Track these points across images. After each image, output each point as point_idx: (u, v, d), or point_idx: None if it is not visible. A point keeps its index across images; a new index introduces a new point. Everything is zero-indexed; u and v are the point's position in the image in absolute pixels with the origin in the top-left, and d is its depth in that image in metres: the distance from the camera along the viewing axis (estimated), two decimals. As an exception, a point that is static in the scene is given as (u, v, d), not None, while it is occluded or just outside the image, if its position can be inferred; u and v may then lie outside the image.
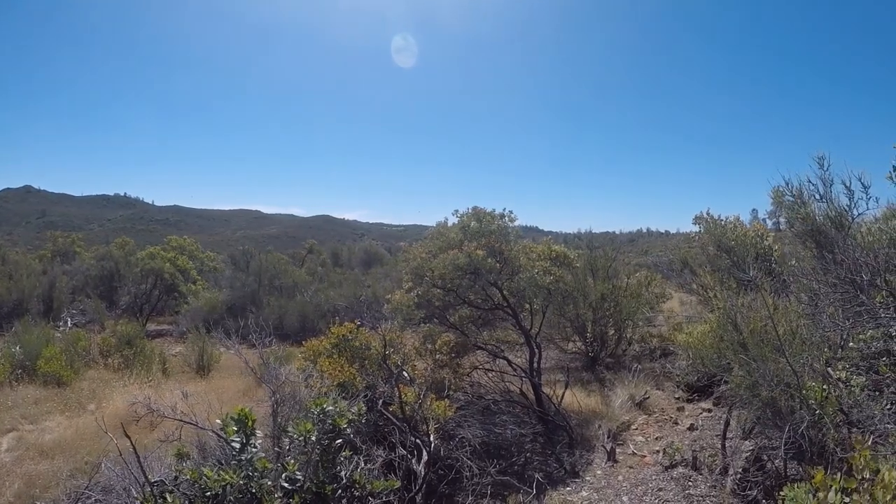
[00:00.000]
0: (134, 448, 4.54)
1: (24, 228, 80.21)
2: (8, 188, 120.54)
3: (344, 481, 3.56)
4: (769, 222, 9.07)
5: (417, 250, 7.70)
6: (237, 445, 3.44)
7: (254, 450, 3.40)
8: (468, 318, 8.02)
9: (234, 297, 19.31)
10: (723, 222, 8.27)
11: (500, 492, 5.51)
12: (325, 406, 3.70)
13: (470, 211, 7.89)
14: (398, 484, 3.81)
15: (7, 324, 15.52)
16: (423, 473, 4.97)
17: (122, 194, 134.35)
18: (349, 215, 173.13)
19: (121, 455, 4.83)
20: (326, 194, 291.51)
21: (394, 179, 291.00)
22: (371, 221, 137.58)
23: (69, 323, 16.61)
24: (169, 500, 3.41)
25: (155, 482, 4.35)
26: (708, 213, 8.60)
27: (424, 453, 5.16)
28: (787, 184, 5.92)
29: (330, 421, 3.63)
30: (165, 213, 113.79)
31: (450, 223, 8.09)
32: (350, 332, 6.59)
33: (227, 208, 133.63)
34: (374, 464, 4.44)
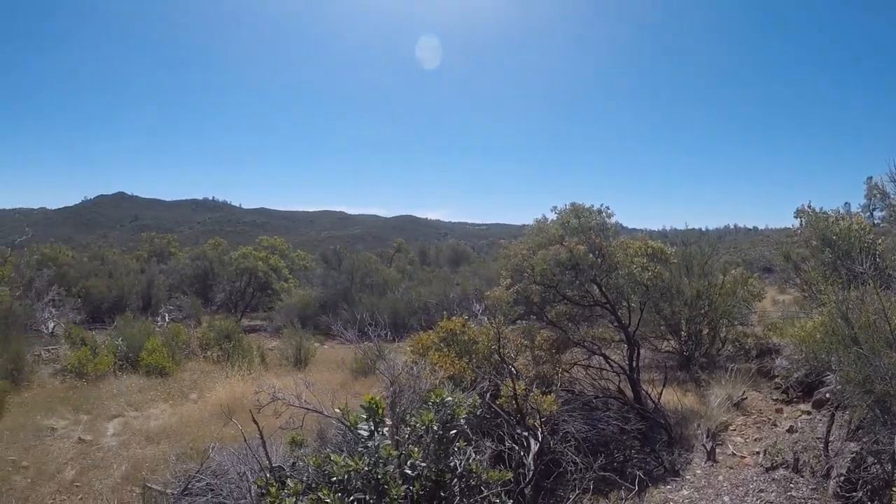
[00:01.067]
0: (261, 434, 5.02)
1: (119, 232, 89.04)
2: (102, 195, 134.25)
3: (459, 470, 3.85)
4: (863, 216, 9.29)
5: (518, 247, 8.19)
6: (365, 433, 3.79)
7: (382, 438, 3.75)
8: (564, 315, 8.51)
9: (327, 295, 20.87)
10: (826, 215, 8.61)
11: (600, 488, 5.86)
12: (444, 397, 4.05)
13: (568, 207, 8.37)
14: (510, 475, 4.07)
15: (108, 319, 17.50)
16: (532, 466, 5.29)
17: (211, 198, 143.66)
18: (431, 215, 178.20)
19: (245, 440, 5.51)
20: (409, 194, 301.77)
21: (475, 178, 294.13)
22: (453, 221, 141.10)
23: (166, 318, 18.28)
24: (290, 484, 3.75)
25: (271, 468, 4.78)
26: (810, 206, 8.92)
27: (534, 446, 5.50)
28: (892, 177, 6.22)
29: (448, 412, 3.98)
30: (252, 215, 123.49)
31: (548, 219, 8.63)
32: (458, 327, 7.32)
33: (311, 209, 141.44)
34: (483, 455, 4.73)
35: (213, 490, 6.06)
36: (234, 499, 5.77)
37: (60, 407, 9.53)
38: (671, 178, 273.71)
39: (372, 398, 3.84)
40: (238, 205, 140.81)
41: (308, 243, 52.39)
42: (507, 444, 5.66)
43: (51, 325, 15.51)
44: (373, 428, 3.74)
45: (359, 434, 3.77)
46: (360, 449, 3.73)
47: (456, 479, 3.84)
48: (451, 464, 3.87)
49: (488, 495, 3.95)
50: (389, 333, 7.83)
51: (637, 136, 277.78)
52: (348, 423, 4.04)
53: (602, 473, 5.85)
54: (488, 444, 5.29)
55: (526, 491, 5.13)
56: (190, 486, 6.23)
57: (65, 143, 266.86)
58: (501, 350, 6.56)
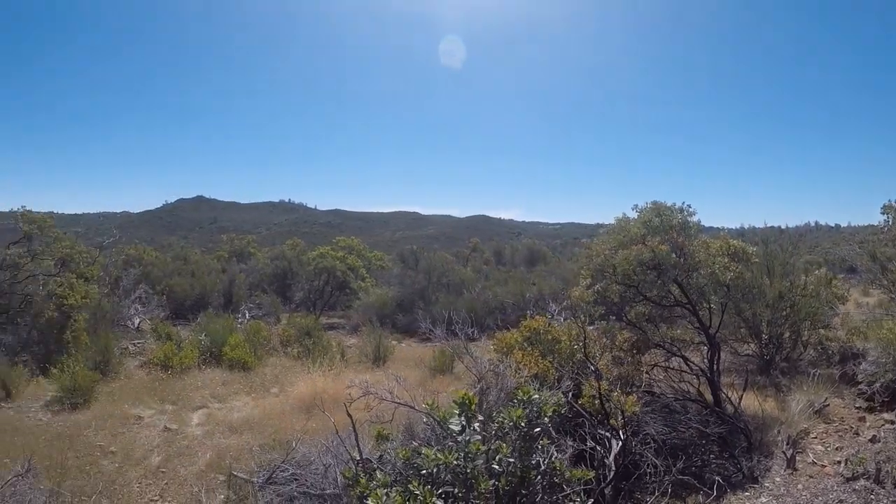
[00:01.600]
0: (354, 427, 5.21)
1: (198, 234, 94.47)
2: (182, 198, 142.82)
3: (542, 468, 4.01)
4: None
5: (600, 246, 8.36)
6: (456, 428, 3.98)
7: (472, 433, 3.93)
8: (643, 316, 8.69)
9: (404, 294, 21.48)
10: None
11: (678, 492, 6.00)
12: (531, 395, 4.20)
13: (649, 205, 8.51)
14: (592, 475, 4.22)
15: (191, 315, 18.61)
16: (613, 466, 5.39)
17: (287, 200, 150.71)
18: (504, 214, 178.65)
19: (337, 432, 5.76)
20: (482, 194, 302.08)
21: (548, 178, 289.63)
22: (526, 220, 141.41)
23: (247, 315, 19.17)
24: (379, 476, 3.98)
25: (361, 460, 5.00)
26: (900, 202, 8.41)
27: (615, 446, 5.59)
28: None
29: (535, 409, 4.13)
30: (327, 216, 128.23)
31: (629, 218, 8.74)
32: (542, 326, 7.56)
33: (385, 210, 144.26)
34: (564, 454, 4.82)
35: (297, 480, 6.24)
36: (320, 489, 5.93)
37: (147, 397, 10.14)
38: (747, 173, 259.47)
39: (465, 394, 4.04)
40: (313, 206, 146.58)
41: (382, 244, 53.70)
42: (588, 443, 5.81)
43: (136, 320, 16.60)
44: (464, 423, 3.95)
45: (450, 429, 3.99)
46: (449, 443, 3.91)
47: (539, 476, 4.00)
48: (535, 461, 4.02)
49: (569, 493, 4.09)
50: (475, 332, 7.98)
51: (712, 131, 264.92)
52: (438, 418, 4.27)
53: (681, 477, 5.95)
54: (570, 443, 5.41)
55: (606, 491, 5.24)
56: (274, 475, 6.43)
57: (147, 149, 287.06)
58: (586, 349, 6.69)
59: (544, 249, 37.48)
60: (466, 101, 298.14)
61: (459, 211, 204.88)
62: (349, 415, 5.15)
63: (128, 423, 8.89)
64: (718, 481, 6.21)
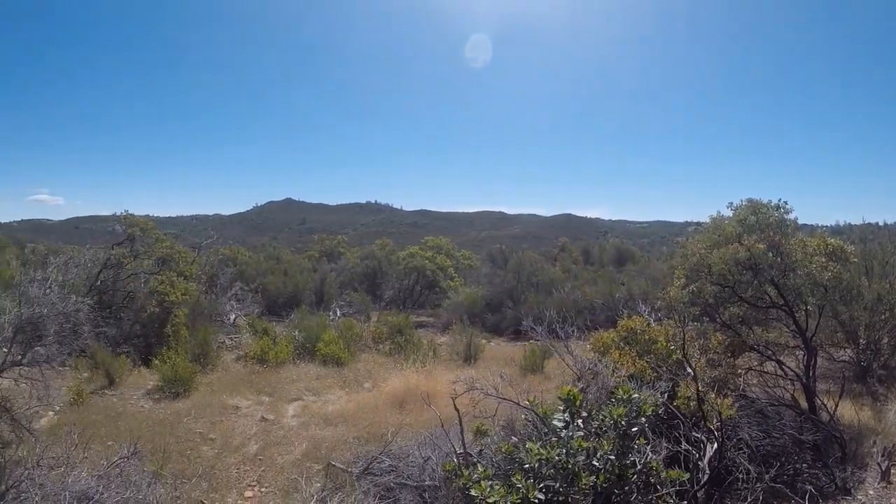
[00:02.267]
0: (460, 422, 5.30)
1: (287, 234, 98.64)
2: (272, 201, 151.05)
3: (638, 467, 4.15)
4: None
5: (695, 245, 8.33)
6: (560, 424, 4.14)
7: (576, 429, 4.07)
8: (737, 317, 8.54)
9: (493, 293, 21.54)
10: None
11: (769, 500, 5.91)
12: (630, 394, 4.37)
13: (745, 203, 8.49)
14: (687, 476, 4.27)
15: (284, 312, 19.24)
16: (707, 470, 5.44)
17: (373, 201, 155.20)
18: (590, 213, 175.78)
19: (442, 426, 5.87)
20: (567, 192, 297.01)
21: (634, 175, 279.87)
22: (613, 219, 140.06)
23: (338, 313, 19.63)
24: (480, 469, 4.09)
25: (463, 453, 5.12)
26: None
27: (710, 449, 5.63)
28: None
29: (634, 409, 4.28)
30: (413, 216, 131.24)
31: (724, 216, 8.73)
32: (639, 326, 7.63)
33: (471, 210, 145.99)
34: (658, 455, 4.87)
35: (394, 471, 6.36)
36: (417, 480, 5.97)
37: (244, 389, 10.54)
38: (843, 166, 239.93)
39: (570, 390, 4.25)
40: (399, 207, 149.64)
41: (468, 243, 54.26)
42: (682, 445, 5.78)
43: (232, 316, 17.32)
44: (568, 419, 4.17)
45: (554, 425, 4.21)
46: (553, 439, 4.10)
47: (636, 476, 4.12)
48: (631, 460, 4.15)
49: (663, 494, 4.17)
50: (575, 330, 8.00)
51: (804, 124, 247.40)
52: (540, 414, 4.52)
53: (773, 485, 5.95)
54: (664, 444, 5.41)
55: (699, 495, 5.25)
56: (371, 466, 6.58)
57: (238, 154, 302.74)
58: (685, 350, 6.65)
59: (633, 249, 37.02)
60: (548, 99, 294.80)
61: (545, 210, 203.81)
62: (456, 409, 5.25)
63: (226, 413, 9.24)
64: (811, 491, 6.11)
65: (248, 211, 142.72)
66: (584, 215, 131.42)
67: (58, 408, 8.50)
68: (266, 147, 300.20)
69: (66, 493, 4.81)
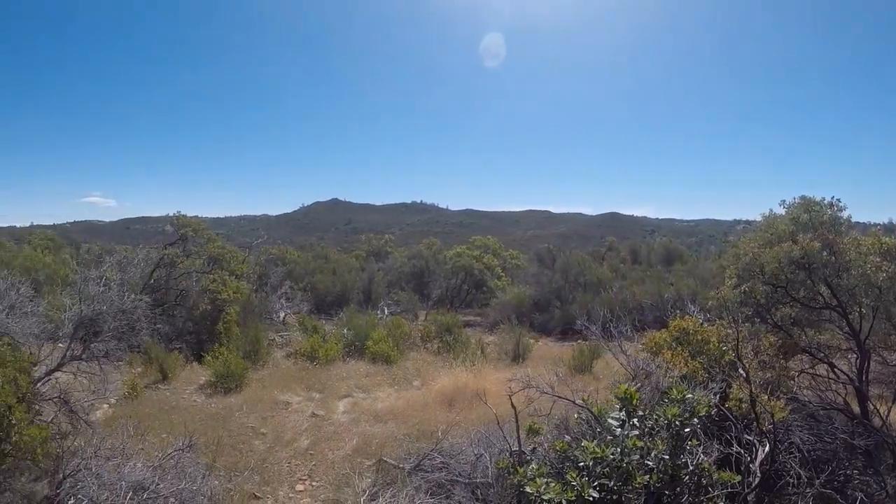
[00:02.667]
0: (517, 419, 5.20)
1: (333, 234, 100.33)
2: (318, 201, 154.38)
3: (690, 468, 4.13)
4: None
5: (747, 244, 8.16)
6: (615, 423, 4.14)
7: (631, 428, 4.07)
8: (789, 318, 8.32)
9: (541, 293, 21.46)
10: None
11: None
12: (684, 394, 4.33)
13: (797, 200, 8.44)
14: (738, 479, 4.27)
15: (332, 311, 19.48)
16: (759, 473, 5.29)
17: (419, 201, 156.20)
18: (637, 212, 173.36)
19: (498, 423, 5.82)
20: (613, 191, 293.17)
21: (682, 173, 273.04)
22: (660, 217, 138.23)
23: (385, 312, 19.76)
24: (534, 466, 4.12)
25: (518, 451, 5.07)
26: None
27: (761, 452, 5.48)
28: None
29: (689, 409, 4.23)
30: (458, 216, 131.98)
31: (776, 214, 8.65)
32: (691, 326, 7.52)
33: (516, 209, 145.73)
34: (710, 456, 4.81)
35: (446, 467, 6.31)
36: (469, 477, 5.92)
37: (294, 385, 10.64)
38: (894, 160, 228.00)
39: (626, 388, 4.23)
40: (445, 206, 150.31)
41: (514, 243, 54.16)
42: (733, 448, 5.69)
43: (282, 314, 17.61)
44: (624, 418, 4.16)
45: (609, 423, 4.24)
46: (608, 438, 4.16)
47: (688, 476, 4.12)
48: (683, 460, 4.13)
49: (714, 496, 4.16)
50: (628, 329, 7.93)
51: (857, 119, 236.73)
52: (595, 413, 4.59)
53: (823, 490, 5.82)
54: (716, 445, 5.36)
55: (749, 498, 5.13)
56: (423, 462, 6.52)
57: (285, 156, 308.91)
58: (739, 351, 6.58)
59: (681, 248, 36.38)
60: (594, 96, 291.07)
61: (591, 208, 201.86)
62: (513, 406, 5.18)
63: (277, 408, 9.35)
64: (861, 498, 5.93)
65: (294, 211, 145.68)
66: (630, 214, 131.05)
67: (113, 401, 8.70)
68: (312, 148, 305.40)
69: (123, 482, 4.89)
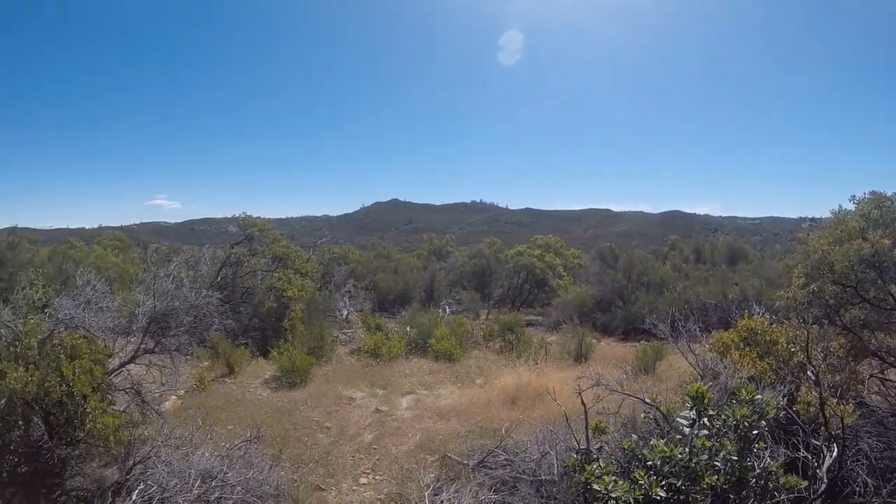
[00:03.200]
0: (586, 416, 5.10)
1: (394, 234, 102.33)
2: (378, 201, 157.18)
3: (757, 471, 4.07)
4: None
5: (817, 242, 7.92)
6: (685, 422, 4.09)
7: (701, 428, 4.03)
8: (859, 320, 8.00)
9: (603, 293, 21.13)
10: None
11: None
12: (753, 395, 4.24)
13: (868, 195, 8.09)
14: (804, 484, 4.16)
15: (393, 309, 19.67)
16: (825, 479, 5.14)
17: (479, 201, 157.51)
18: (699, 209, 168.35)
19: (566, 421, 5.74)
20: (676, 189, 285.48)
21: (745, 169, 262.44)
22: (723, 215, 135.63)
23: (447, 310, 19.76)
24: (602, 465, 4.10)
25: (586, 449, 4.96)
26: None
27: (828, 458, 5.32)
28: None
29: (757, 410, 4.17)
30: (518, 215, 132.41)
31: (846, 210, 8.35)
32: (760, 326, 7.41)
33: (576, 208, 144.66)
34: (776, 460, 4.72)
35: (510, 464, 6.22)
36: (533, 474, 5.81)
37: (358, 381, 10.75)
38: None
39: (697, 387, 4.18)
40: (504, 206, 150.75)
41: (575, 242, 53.68)
42: (800, 452, 5.53)
43: (345, 312, 17.84)
44: (694, 417, 4.11)
45: (678, 422, 4.18)
46: (677, 437, 4.13)
47: (754, 480, 4.06)
48: (750, 463, 4.07)
49: (780, 501, 4.10)
50: (697, 329, 7.87)
51: None
52: (664, 412, 4.58)
53: (889, 501, 5.52)
54: (782, 449, 5.25)
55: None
56: (486, 459, 6.45)
57: (346, 157, 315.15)
58: (809, 353, 6.43)
59: (745, 247, 35.21)
60: (654, 93, 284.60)
61: (652, 206, 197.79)
62: (583, 404, 5.14)
63: (341, 403, 9.45)
64: None
65: (355, 212, 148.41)
66: (692, 212, 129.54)
67: (182, 392, 8.95)
68: (372, 149, 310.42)
69: (191, 470, 4.98)
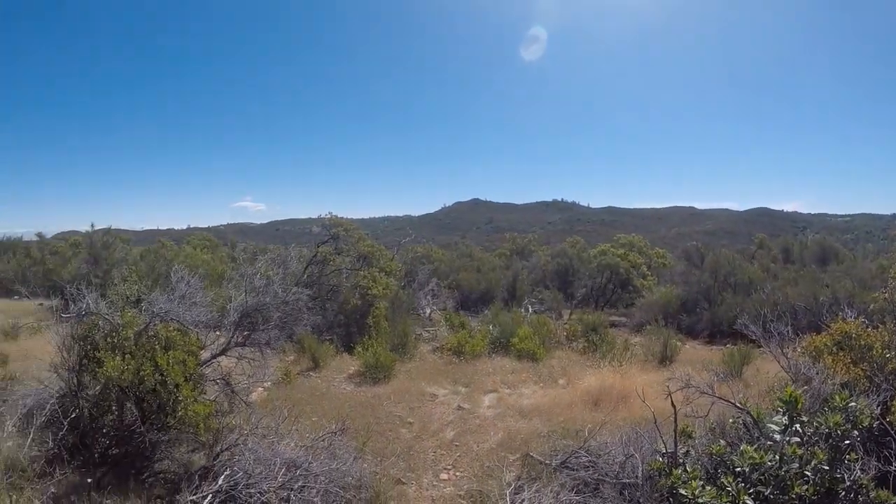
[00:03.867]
0: (675, 418, 4.93)
1: (475, 233, 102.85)
2: (459, 201, 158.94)
3: (847, 483, 3.85)
4: None
5: None
6: (776, 428, 3.96)
7: (792, 434, 3.92)
8: None
9: (688, 293, 20.29)
10: None
11: None
12: (847, 402, 4.05)
13: None
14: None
15: (476, 307, 19.65)
16: None
17: (560, 199, 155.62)
18: (787, 206, 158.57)
19: (654, 423, 5.42)
20: (762, 185, 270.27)
21: (834, 163, 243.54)
22: (812, 212, 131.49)
23: (529, 310, 19.54)
24: (689, 469, 3.98)
25: (674, 452, 4.79)
26: None
27: None
28: None
29: (850, 419, 3.97)
30: (600, 214, 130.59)
31: None
32: (854, 330, 6.97)
33: (659, 206, 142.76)
34: (867, 473, 4.43)
35: (593, 466, 6.08)
36: (616, 477, 5.68)
37: (440, 378, 10.79)
38: None
39: (792, 392, 3.99)
40: (586, 204, 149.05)
41: (658, 241, 52.21)
42: (893, 465, 5.10)
43: (428, 310, 17.97)
44: (786, 423, 3.96)
45: (770, 428, 4.04)
46: (767, 443, 3.97)
47: (844, 492, 3.88)
48: (840, 475, 3.88)
49: None
50: (789, 330, 7.55)
51: None
52: (756, 417, 4.42)
53: None
54: (873, 462, 4.85)
55: None
56: (569, 460, 6.33)
57: (427, 156, 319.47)
58: None
59: (836, 246, 33.00)
60: (739, 86, 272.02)
61: (738, 204, 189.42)
62: (673, 405, 4.98)
63: (423, 400, 9.50)
64: None
65: (436, 212, 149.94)
66: (780, 208, 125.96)
67: (268, 384, 9.24)
68: (453, 149, 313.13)
69: (277, 459, 5.08)
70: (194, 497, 4.62)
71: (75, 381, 5.41)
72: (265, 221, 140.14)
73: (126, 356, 5.28)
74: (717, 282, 20.33)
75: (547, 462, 6.45)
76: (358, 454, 6.15)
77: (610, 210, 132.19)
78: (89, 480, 4.83)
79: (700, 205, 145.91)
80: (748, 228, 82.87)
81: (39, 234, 27.22)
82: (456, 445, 7.57)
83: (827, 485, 3.77)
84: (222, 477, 4.82)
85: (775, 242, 37.43)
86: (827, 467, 3.76)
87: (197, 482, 4.92)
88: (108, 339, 5.44)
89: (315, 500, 5.05)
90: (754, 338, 7.87)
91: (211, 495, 4.63)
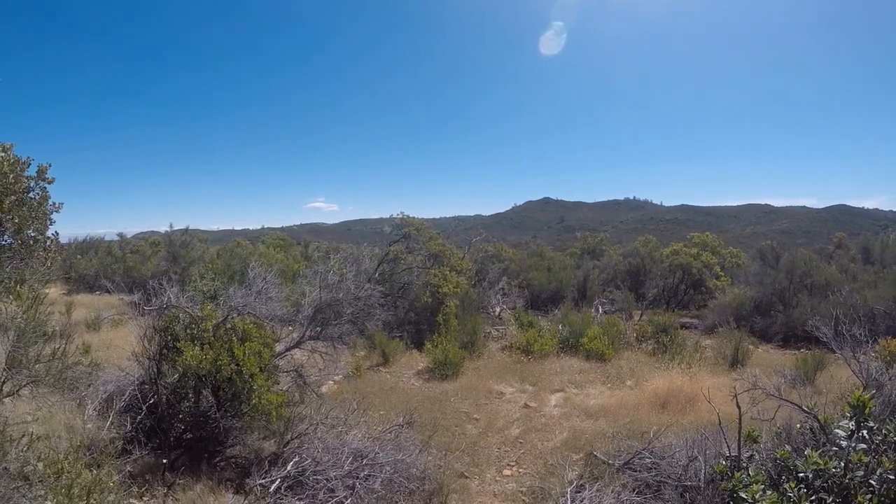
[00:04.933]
0: (740, 420, 4.88)
1: (546, 232, 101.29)
2: (530, 200, 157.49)
3: None
4: None
5: None
6: (843, 433, 3.76)
7: (858, 440, 3.66)
8: None
9: (763, 294, 19.42)
10: None
11: None
12: None
13: None
14: None
15: (545, 307, 19.49)
16: None
17: (632, 198, 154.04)
18: (868, 203, 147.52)
19: (719, 427, 5.36)
20: (842, 181, 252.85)
21: None
22: (894, 210, 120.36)
23: (600, 310, 19.24)
24: (752, 473, 3.81)
25: (737, 456, 4.84)
26: None
27: None
28: None
29: None
30: (673, 212, 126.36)
31: None
32: None
33: (734, 204, 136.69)
34: None
35: (656, 468, 6.06)
36: (678, 479, 5.67)
37: (508, 376, 10.81)
38: None
39: (860, 395, 3.81)
40: (659, 203, 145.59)
41: (733, 240, 50.32)
42: None
43: (497, 309, 17.96)
44: (853, 428, 3.78)
45: (836, 433, 3.86)
46: (832, 450, 3.79)
47: None
48: None
49: None
50: (863, 335, 7.10)
51: None
52: (822, 421, 4.36)
53: None
54: None
55: None
56: (632, 461, 6.30)
57: (497, 156, 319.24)
58: None
59: None
60: (817, 76, 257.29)
61: (816, 201, 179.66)
62: (738, 407, 4.95)
63: (490, 397, 9.56)
64: None
65: (506, 211, 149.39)
66: (859, 206, 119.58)
67: (339, 378, 9.50)
68: (523, 149, 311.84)
69: (345, 448, 5.24)
70: (263, 481, 4.83)
71: (155, 369, 5.74)
72: (337, 221, 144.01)
73: (205, 346, 5.55)
74: (792, 283, 19.39)
75: (610, 462, 6.41)
76: (423, 447, 6.28)
77: (683, 208, 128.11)
78: (164, 461, 5.12)
79: (776, 202, 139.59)
80: (826, 227, 79.91)
81: (120, 234, 28.81)
82: (520, 443, 7.59)
83: (892, 496, 3.57)
84: (291, 463, 5.01)
85: (855, 241, 35.52)
86: (893, 477, 3.56)
87: (266, 467, 5.16)
88: (188, 331, 5.74)
89: (379, 488, 5.18)
90: (826, 340, 7.52)
91: (279, 480, 4.83)
